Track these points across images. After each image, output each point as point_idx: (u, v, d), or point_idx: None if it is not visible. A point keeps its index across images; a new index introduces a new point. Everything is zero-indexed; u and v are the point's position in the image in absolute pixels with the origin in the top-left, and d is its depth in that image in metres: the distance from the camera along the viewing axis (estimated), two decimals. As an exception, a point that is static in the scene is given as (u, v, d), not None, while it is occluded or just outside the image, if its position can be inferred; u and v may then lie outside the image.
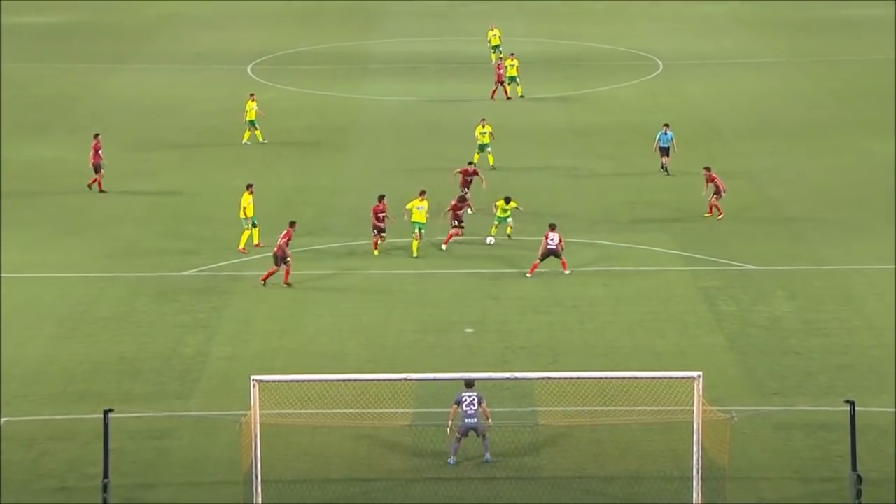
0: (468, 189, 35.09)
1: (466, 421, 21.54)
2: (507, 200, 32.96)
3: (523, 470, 21.56)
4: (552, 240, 30.31)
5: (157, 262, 32.65)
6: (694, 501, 19.94)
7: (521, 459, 21.82)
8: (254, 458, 19.98)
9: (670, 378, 20.86)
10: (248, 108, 44.14)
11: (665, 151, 38.18)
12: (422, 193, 32.23)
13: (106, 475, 18.20)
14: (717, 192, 34.40)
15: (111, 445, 18.63)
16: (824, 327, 27.57)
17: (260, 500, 20.10)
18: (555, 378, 21.38)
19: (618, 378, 21.49)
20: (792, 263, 31.23)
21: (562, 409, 22.01)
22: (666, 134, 38.12)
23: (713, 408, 20.16)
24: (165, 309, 29.43)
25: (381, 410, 22.26)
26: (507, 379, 21.05)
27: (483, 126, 39.90)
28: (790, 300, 29.23)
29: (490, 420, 21.56)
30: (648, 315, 28.56)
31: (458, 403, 21.61)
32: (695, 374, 19.92)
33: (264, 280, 30.12)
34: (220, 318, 28.93)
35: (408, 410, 22.49)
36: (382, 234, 31.87)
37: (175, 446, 22.71)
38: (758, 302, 29.11)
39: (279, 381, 20.90)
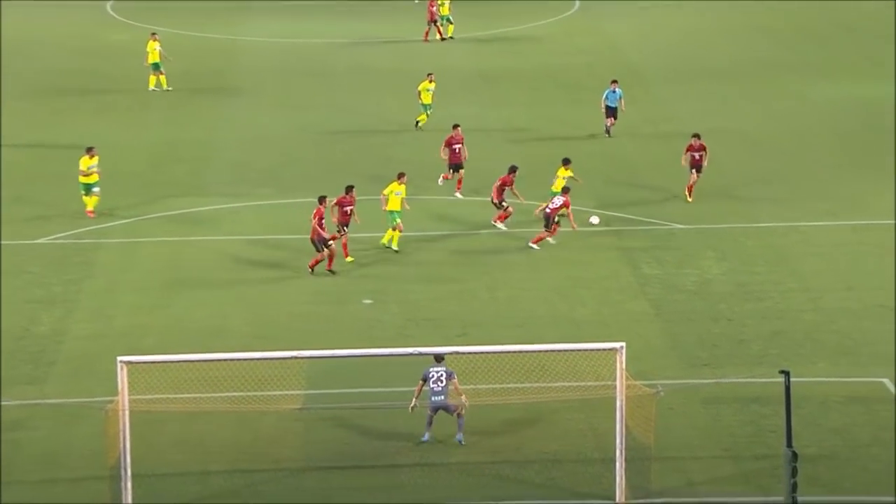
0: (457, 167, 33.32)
1: (434, 399, 21.55)
2: (567, 163, 31.51)
3: (428, 454, 21.66)
4: (555, 202, 29.84)
5: (3, 229, 31.86)
6: (617, 484, 20.22)
7: (426, 443, 21.92)
8: (122, 450, 19.74)
9: (591, 350, 21.11)
10: (149, 48, 43.36)
11: (612, 112, 37.59)
12: (400, 176, 30.04)
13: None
14: (699, 168, 32.31)
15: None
16: (757, 290, 28.21)
17: (129, 498, 19.85)
18: (463, 352, 21.44)
19: (533, 351, 21.68)
20: (722, 221, 31.83)
21: (472, 386, 22.08)
22: (614, 92, 37.49)
23: (637, 382, 20.45)
24: (15, 282, 28.83)
25: (268, 393, 22.18)
26: (411, 354, 21.07)
27: (430, 82, 39.16)
28: (720, 262, 29.83)
29: (464, 398, 21.48)
30: (566, 281, 28.86)
31: (425, 380, 21.59)
32: (617, 345, 20.14)
33: (311, 268, 28.83)
34: (78, 291, 28.46)
35: (298, 392, 22.38)
36: (345, 230, 29.10)
37: (30, 438, 22.33)
38: (685, 264, 29.64)
39: (150, 363, 20.65)
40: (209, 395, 21.88)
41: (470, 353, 21.45)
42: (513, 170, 31.35)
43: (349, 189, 29.53)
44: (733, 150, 36.63)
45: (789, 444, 18.53)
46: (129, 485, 19.84)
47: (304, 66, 47.28)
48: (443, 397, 21.55)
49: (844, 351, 25.19)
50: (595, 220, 23.05)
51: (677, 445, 21.64)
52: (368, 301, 27.92)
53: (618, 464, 20.15)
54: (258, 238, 31.71)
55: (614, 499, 20.18)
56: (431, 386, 21.62)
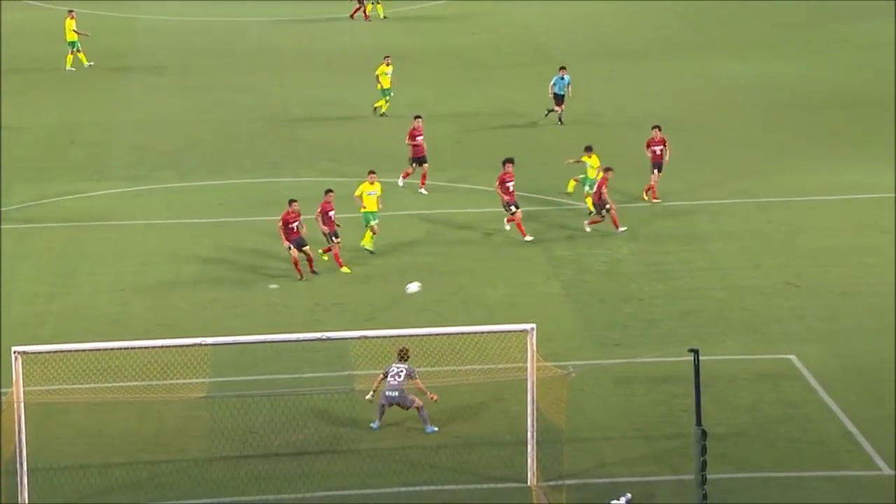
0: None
1: (388, 393, 21.46)
2: (589, 150, 30.54)
3: (338, 442, 21.55)
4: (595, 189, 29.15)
5: None
6: (529, 467, 20.28)
7: (335, 429, 21.81)
8: (17, 444, 19.29)
9: (501, 332, 21.09)
10: (66, 26, 42.43)
11: (560, 99, 37.33)
12: (371, 174, 28.85)
13: None
14: (660, 166, 31.10)
15: None
16: (667, 270, 28.51)
17: (26, 494, 19.42)
18: (372, 336, 21.27)
19: (443, 334, 21.68)
20: (631, 201, 32.10)
21: (381, 371, 21.96)
22: (562, 79, 37.29)
23: (548, 363, 20.48)
24: None
25: (171, 382, 21.89)
26: (318, 339, 20.92)
27: (387, 65, 38.39)
28: (630, 241, 30.09)
29: (432, 395, 21.41)
30: (476, 263, 28.87)
31: (385, 375, 21.48)
32: (528, 326, 20.16)
33: (338, 263, 27.75)
34: (-28, 280, 27.84)
35: (203, 380, 22.11)
36: (337, 239, 27.83)
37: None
38: (595, 245, 29.86)
39: (47, 352, 20.25)
40: (110, 384, 21.61)
41: (378, 337, 21.32)
42: (508, 161, 29.58)
43: (328, 192, 28.16)
44: (641, 128, 36.93)
45: (699, 423, 18.78)
46: (26, 480, 19.40)
47: (206, 46, 46.68)
48: (397, 393, 21.48)
49: (753, 329, 25.59)
50: (413, 287, 21.81)
51: (589, 426, 21.82)
52: (275, 286, 27.67)
53: (530, 446, 20.20)
54: (159, 223, 31.24)
55: (526, 482, 20.25)
56: (389, 380, 21.56)
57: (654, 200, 31.71)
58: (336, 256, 28.19)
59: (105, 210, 32.00)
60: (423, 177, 32.62)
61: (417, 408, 21.64)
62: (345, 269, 28.14)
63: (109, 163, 35.36)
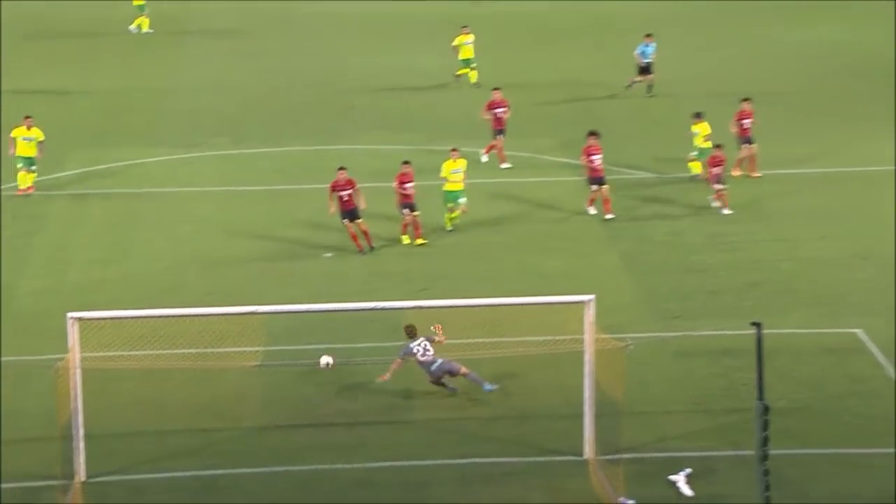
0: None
1: (433, 369, 21.42)
2: (699, 117, 29.66)
3: (393, 412, 21.57)
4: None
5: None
6: (586, 440, 20.21)
7: (390, 400, 21.82)
8: (74, 410, 19.49)
9: (559, 303, 20.92)
10: None
11: (647, 68, 36.66)
12: (453, 152, 27.81)
13: None
14: (748, 139, 30.08)
15: None
16: (730, 241, 28.15)
17: (82, 459, 19.64)
18: (427, 307, 21.23)
19: (499, 304, 21.52)
20: (688, 170, 31.76)
21: (397, 357, 21.80)
22: (647, 46, 36.59)
23: (607, 335, 20.32)
24: (-41, 235, 28.54)
25: (226, 350, 21.93)
26: (374, 309, 20.91)
27: (465, 34, 37.88)
28: (692, 212, 29.78)
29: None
30: (534, 232, 28.68)
31: (408, 355, 21.44)
32: (586, 297, 20.04)
33: (368, 244, 27.24)
34: (29, 245, 28.11)
35: (258, 349, 22.19)
36: (416, 212, 27.07)
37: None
38: (656, 215, 29.56)
39: (103, 319, 20.39)
40: (165, 352, 21.66)
41: (433, 307, 21.25)
42: (592, 135, 28.75)
43: (406, 163, 27.49)
44: (704, 99, 36.44)
45: (760, 397, 18.57)
46: (82, 445, 19.63)
47: (264, 10, 46.73)
48: (439, 361, 21.49)
49: (819, 302, 25.23)
50: (326, 360, 21.31)
51: (647, 400, 21.66)
52: (329, 254, 27.68)
53: (587, 419, 20.13)
54: (215, 190, 31.40)
55: (583, 455, 20.18)
56: (422, 360, 21.52)
57: (754, 175, 30.84)
58: (415, 227, 27.69)
59: (161, 176, 32.22)
60: (498, 149, 32.08)
61: (464, 374, 21.59)
62: (420, 241, 27.72)
63: (165, 129, 35.60)
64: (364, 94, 38.57)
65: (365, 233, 27.55)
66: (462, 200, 28.19)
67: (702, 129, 30.65)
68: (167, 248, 28.06)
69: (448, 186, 28.31)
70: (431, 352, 21.58)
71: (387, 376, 21.60)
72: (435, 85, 39.06)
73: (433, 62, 39.84)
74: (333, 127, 35.80)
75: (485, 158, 32.17)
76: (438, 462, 20.13)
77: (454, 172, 28.21)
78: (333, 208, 27.41)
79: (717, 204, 29.32)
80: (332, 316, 23.15)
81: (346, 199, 27.23)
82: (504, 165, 32.18)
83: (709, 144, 30.11)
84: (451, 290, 25.09)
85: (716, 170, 29.33)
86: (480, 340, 22.00)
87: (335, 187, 27.34)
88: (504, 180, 31.32)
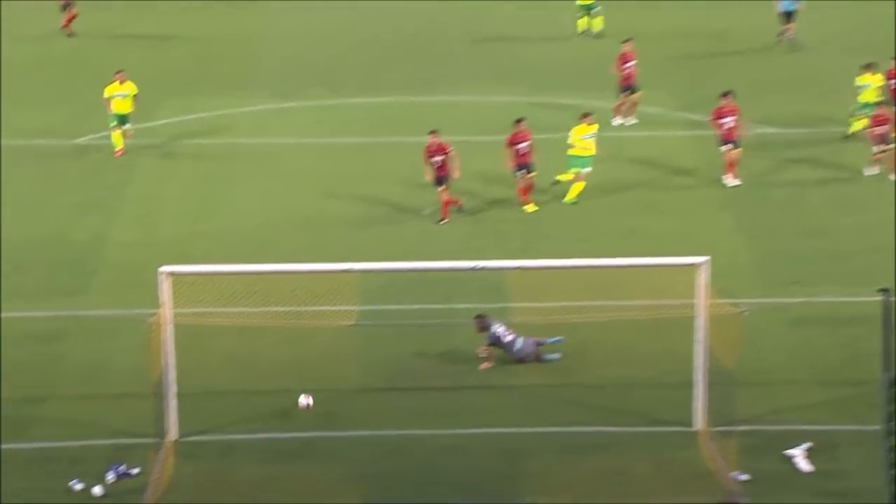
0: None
1: (517, 349, 21.66)
2: (870, 68, 28.48)
3: (493, 377, 21.67)
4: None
5: (38, 125, 32.01)
6: (696, 410, 20.14)
7: (490, 365, 21.99)
8: (165, 366, 19.93)
9: (670, 265, 20.78)
10: None
11: (788, 17, 36.14)
12: (585, 116, 27.36)
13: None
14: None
15: (-9, 352, 18.59)
16: (857, 202, 27.71)
17: (174, 417, 20.16)
18: (529, 267, 21.22)
19: (607, 266, 21.42)
20: (816, 125, 31.17)
21: (539, 304, 21.90)
22: None
23: (721, 300, 20.18)
24: (52, 185, 29.09)
25: (320, 308, 22.13)
26: (473, 269, 21.04)
27: None
28: (815, 170, 29.36)
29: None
30: (643, 190, 28.51)
31: (495, 342, 21.66)
32: (699, 259, 19.91)
33: (523, 199, 27.18)
34: (120, 197, 28.66)
35: (352, 308, 22.33)
36: (531, 174, 26.80)
37: (69, 352, 22.66)
38: (775, 174, 29.20)
39: (195, 273, 20.70)
40: (258, 309, 21.94)
41: (536, 268, 21.24)
42: (725, 95, 28.12)
43: (519, 121, 27.20)
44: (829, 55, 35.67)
45: (887, 369, 18.35)
46: (173, 403, 20.14)
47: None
48: (522, 338, 21.72)
49: (952, 269, 24.78)
50: (305, 401, 21.15)
51: (763, 369, 21.52)
52: (428, 211, 27.83)
53: (698, 388, 20.04)
54: (309, 142, 31.73)
55: (692, 426, 20.13)
56: (507, 343, 21.70)
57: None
58: (523, 191, 27.56)
59: (254, 127, 32.61)
60: (633, 105, 31.63)
61: (539, 343, 21.75)
62: (529, 208, 27.69)
63: (258, 78, 35.96)
64: (465, 44, 38.55)
65: (447, 202, 27.30)
66: (586, 170, 27.70)
67: (873, 81, 29.39)
68: (260, 203, 28.38)
69: (575, 151, 27.77)
70: (513, 332, 21.76)
71: (487, 364, 21.74)
72: (541, 36, 38.87)
73: (538, 13, 39.63)
74: (433, 77, 35.86)
75: (618, 121, 31.65)
76: (538, 430, 20.23)
77: (584, 138, 27.70)
78: (429, 175, 27.40)
79: (873, 171, 28.18)
80: (429, 276, 23.23)
81: (438, 165, 27.14)
82: (617, 121, 31.80)
83: (877, 98, 28.80)
84: (554, 251, 24.98)
85: (880, 129, 28.07)
86: (585, 304, 22.02)
87: (428, 152, 27.28)
88: (614, 135, 31.14)
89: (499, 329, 21.84)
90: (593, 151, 27.94)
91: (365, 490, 18.76)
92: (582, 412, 20.66)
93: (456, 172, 27.22)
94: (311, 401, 19.60)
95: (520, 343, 21.81)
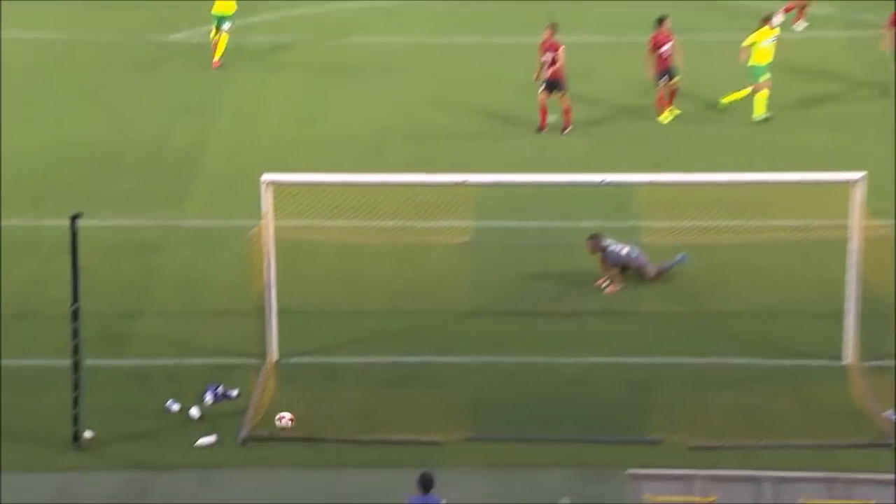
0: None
1: (635, 256, 21.59)
2: None
3: (617, 302, 21.43)
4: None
5: (134, 20, 31.99)
6: (847, 343, 19.64)
7: (617, 289, 21.70)
8: (267, 282, 19.86)
9: (820, 182, 20.22)
10: None
11: None
12: (768, 19, 26.49)
13: (76, 299, 18.32)
14: None
15: (82, 262, 18.47)
16: None
17: (275, 335, 20.09)
18: (662, 183, 20.80)
19: (750, 182, 20.95)
20: None
21: (671, 223, 21.64)
22: None
23: (877, 222, 19.64)
24: (148, 85, 29.15)
25: (432, 224, 22.04)
26: (600, 184, 20.59)
27: None
28: None
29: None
30: (794, 100, 27.72)
31: (619, 262, 21.51)
32: (854, 175, 19.31)
33: (659, 105, 26.93)
34: (220, 99, 28.64)
35: (467, 224, 22.23)
36: (673, 79, 26.36)
37: (165, 265, 22.78)
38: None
39: (299, 184, 20.67)
40: (365, 223, 21.88)
41: (669, 183, 20.85)
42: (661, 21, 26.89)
43: (661, 20, 26.58)
44: None
45: None
46: (275, 322, 20.06)
47: None
48: (637, 252, 21.53)
49: None
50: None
51: (922, 299, 20.82)
52: (553, 118, 27.31)
53: (849, 319, 19.54)
54: (421, 41, 31.30)
55: (842, 360, 19.64)
56: (627, 255, 21.49)
57: None
58: (662, 100, 27.06)
59: (361, 24, 32.31)
60: (801, 10, 30.89)
61: (660, 271, 21.49)
62: (665, 116, 27.13)
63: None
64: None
65: (567, 109, 26.85)
66: (765, 77, 26.85)
67: None
68: (368, 107, 28.22)
69: (755, 60, 26.77)
70: (627, 245, 21.54)
71: (613, 288, 21.41)
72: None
73: None
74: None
75: (779, 19, 30.47)
76: (668, 360, 19.95)
77: (766, 43, 26.89)
78: (537, 74, 26.85)
79: None
80: (550, 191, 22.99)
81: (548, 64, 26.63)
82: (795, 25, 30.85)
83: None
84: (688, 164, 24.49)
85: None
86: (724, 223, 21.52)
87: (541, 48, 26.78)
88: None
89: (615, 247, 21.48)
90: (768, 59, 26.95)
91: (476, 421, 18.65)
92: (717, 342, 20.30)
93: (554, 74, 26.56)
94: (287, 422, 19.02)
95: (636, 252, 21.50)
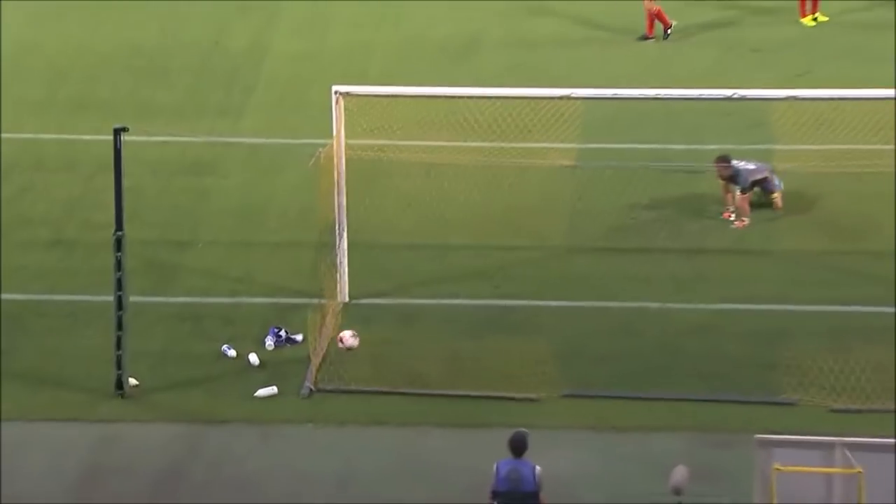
0: None
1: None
2: None
3: (747, 239, 21.33)
4: None
5: None
6: None
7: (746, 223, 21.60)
8: (338, 210, 19.91)
9: None
10: None
11: None
12: None
13: (119, 226, 18.54)
14: None
15: (127, 182, 18.64)
16: None
17: (346, 272, 20.14)
18: (804, 98, 20.49)
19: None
20: None
21: (814, 147, 21.57)
22: None
23: None
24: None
25: (530, 145, 22.09)
26: (727, 98, 20.41)
27: None
28: None
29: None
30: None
31: (746, 181, 21.59)
32: None
33: (803, 12, 27.26)
34: (281, -6, 28.87)
35: (571, 146, 22.25)
36: None
37: (219, 187, 23.00)
38: None
39: (376, 95, 20.73)
40: (452, 143, 21.95)
41: (814, 98, 20.65)
42: None
43: None
44: None
45: None
46: (345, 257, 20.16)
47: None
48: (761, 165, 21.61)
49: None
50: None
51: None
52: (675, 23, 27.07)
53: None
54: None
55: None
56: (755, 171, 21.46)
57: None
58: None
59: None
60: None
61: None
62: (808, 20, 27.08)
63: None
64: None
65: (656, 12, 26.81)
66: None
67: None
68: (457, 8, 28.16)
69: None
70: (754, 162, 21.56)
71: (742, 222, 21.34)
72: None
73: None
74: None
75: None
76: (805, 308, 19.93)
77: None
78: None
79: None
80: (670, 107, 22.85)
81: None
82: None
83: None
84: (838, 75, 24.27)
85: None
86: (877, 148, 21.40)
87: None
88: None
89: (745, 165, 21.49)
90: None
91: (576, 375, 18.64)
92: (863, 287, 20.18)
93: None
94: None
95: (766, 166, 21.56)
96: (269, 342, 19.42)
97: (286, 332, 19.50)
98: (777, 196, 21.68)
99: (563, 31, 27.40)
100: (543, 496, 15.06)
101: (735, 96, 20.30)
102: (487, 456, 15.69)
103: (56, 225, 22.00)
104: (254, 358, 19.15)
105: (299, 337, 19.44)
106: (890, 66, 25.24)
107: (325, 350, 19.09)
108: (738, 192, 21.54)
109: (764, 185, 21.65)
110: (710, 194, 21.94)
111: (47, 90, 25.58)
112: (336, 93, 19.86)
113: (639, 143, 23.37)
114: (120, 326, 18.43)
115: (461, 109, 22.19)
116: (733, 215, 21.63)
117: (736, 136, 22.95)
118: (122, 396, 18.42)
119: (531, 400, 18.22)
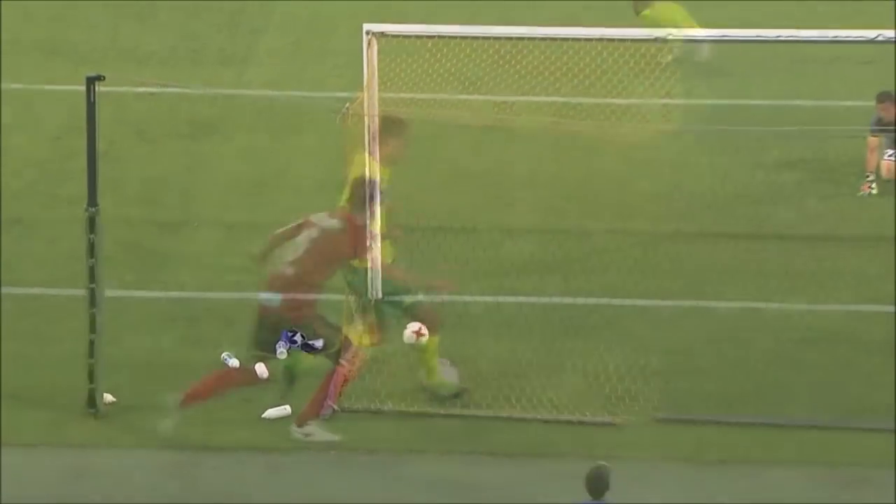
0: None
1: None
2: None
3: (890, 225, 21.50)
4: None
5: None
6: None
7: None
8: (368, 181, 20.05)
9: None
10: None
11: None
12: None
13: (93, 201, 18.54)
14: None
15: (103, 145, 18.67)
16: None
17: (378, 252, 20.12)
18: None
19: None
20: None
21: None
22: None
23: None
24: None
25: (613, 101, 22.20)
26: (870, 41, 20.48)
27: None
28: None
29: None
30: None
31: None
32: None
33: None
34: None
35: (667, 101, 22.39)
36: None
37: (220, 151, 23.51)
38: None
39: (418, 35, 20.77)
40: (513, 98, 22.00)
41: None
42: None
43: None
44: None
45: None
46: (378, 237, 20.22)
47: None
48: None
49: None
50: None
51: None
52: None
53: None
54: None
55: None
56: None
57: None
58: None
59: None
60: None
61: None
62: None
63: None
64: None
65: None
66: None
67: None
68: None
69: None
70: None
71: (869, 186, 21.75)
72: None
73: None
74: None
75: None
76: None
77: None
78: None
79: None
80: (796, 52, 23.40)
81: None
82: None
83: None
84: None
85: None
86: None
87: None
88: None
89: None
90: None
91: (670, 394, 18.78)
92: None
93: None
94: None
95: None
96: (282, 349, 19.51)
97: (302, 336, 19.61)
98: None
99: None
100: (628, 546, 15.24)
101: (879, 38, 20.40)
102: (555, 494, 15.94)
103: (13, 199, 22.25)
104: (261, 369, 19.25)
105: (319, 343, 19.52)
106: None
107: (351, 359, 19.24)
108: (890, 156, 21.67)
109: None
110: (843, 163, 22.21)
111: (6, 31, 25.94)
112: (368, 33, 19.83)
113: (752, 100, 23.61)
114: (93, 328, 18.47)
115: (525, 56, 22.37)
116: (874, 188, 21.79)
117: (877, 91, 22.91)
118: (96, 416, 18.50)
119: (613, 425, 18.42)
